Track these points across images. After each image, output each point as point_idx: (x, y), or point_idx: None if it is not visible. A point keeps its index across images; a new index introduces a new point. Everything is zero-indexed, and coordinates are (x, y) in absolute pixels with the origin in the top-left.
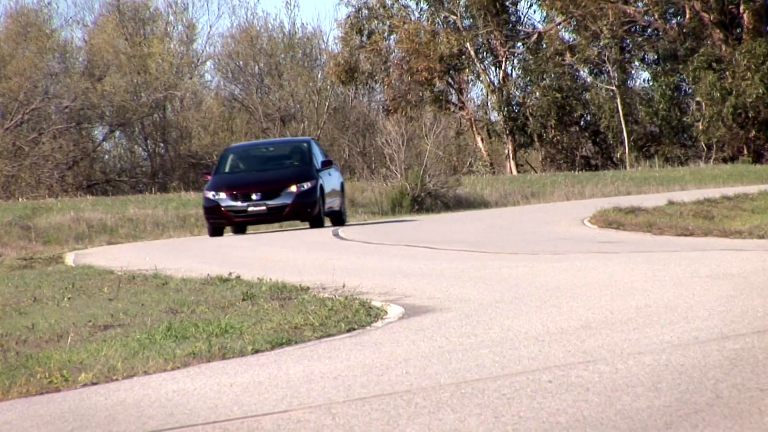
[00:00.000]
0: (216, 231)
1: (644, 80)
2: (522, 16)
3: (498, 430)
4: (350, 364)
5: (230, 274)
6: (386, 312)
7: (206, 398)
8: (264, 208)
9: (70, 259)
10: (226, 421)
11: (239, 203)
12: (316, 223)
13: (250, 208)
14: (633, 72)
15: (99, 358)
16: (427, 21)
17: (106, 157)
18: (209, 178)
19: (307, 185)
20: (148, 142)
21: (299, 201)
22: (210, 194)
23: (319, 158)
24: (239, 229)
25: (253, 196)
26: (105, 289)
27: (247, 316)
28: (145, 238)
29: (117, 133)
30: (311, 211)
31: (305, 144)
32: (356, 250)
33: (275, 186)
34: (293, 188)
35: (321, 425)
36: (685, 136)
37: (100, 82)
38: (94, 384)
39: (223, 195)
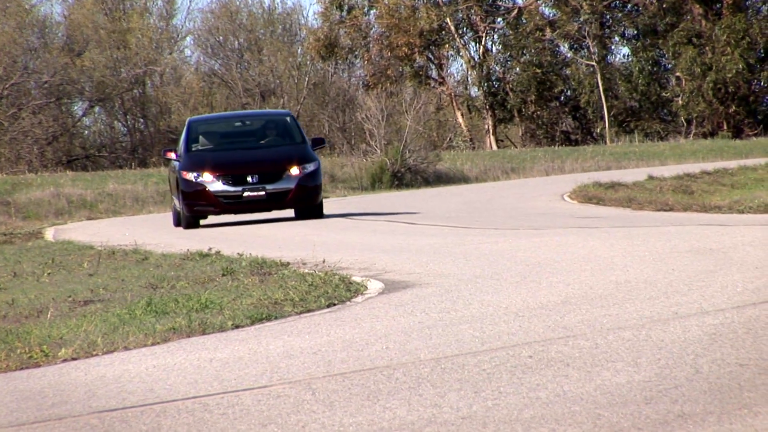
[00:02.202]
0: (194, 221)
1: (624, 55)
2: None
3: (478, 405)
4: (330, 339)
5: (210, 249)
6: (366, 287)
7: (186, 373)
8: (263, 193)
9: (49, 234)
10: (206, 396)
11: (231, 187)
12: (317, 212)
13: (245, 194)
14: (613, 47)
15: (79, 333)
16: None
17: (86, 132)
18: (173, 156)
19: (310, 167)
20: (128, 117)
21: (303, 185)
22: (190, 175)
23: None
24: (193, 223)
25: (249, 179)
26: (85, 264)
27: (227, 291)
28: (125, 214)
29: (96, 108)
30: (315, 199)
31: (288, 118)
32: (336, 226)
33: (275, 167)
34: (295, 170)
35: (301, 400)
36: (665, 111)
37: (80, 58)
38: (74, 359)
39: (208, 176)
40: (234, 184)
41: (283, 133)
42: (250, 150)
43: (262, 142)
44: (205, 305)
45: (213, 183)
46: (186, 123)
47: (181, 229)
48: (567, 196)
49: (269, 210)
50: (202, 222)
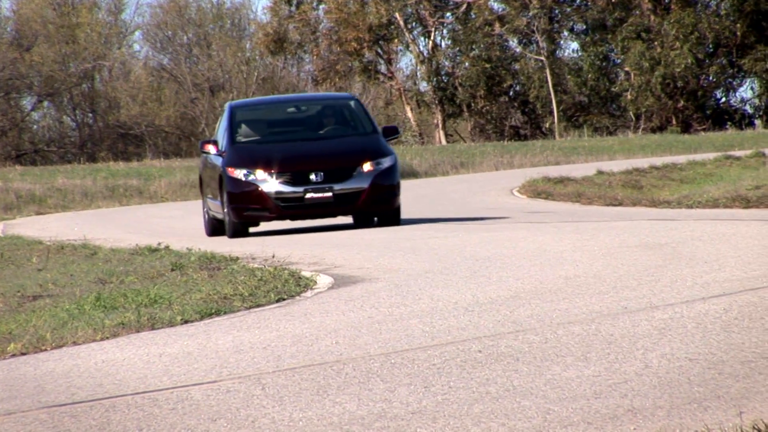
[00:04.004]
0: (243, 228)
1: (573, 50)
2: None
3: (428, 400)
4: (280, 334)
5: (159, 244)
6: (316, 282)
7: (136, 368)
8: (329, 194)
9: None
10: (156, 391)
11: (291, 188)
12: (394, 218)
13: (308, 195)
14: (562, 42)
15: (28, 328)
16: None
17: (35, 127)
18: (212, 149)
19: (386, 162)
20: (77, 112)
21: (378, 185)
22: (239, 173)
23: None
24: (241, 230)
25: (312, 177)
26: (34, 259)
27: (176, 286)
28: (74, 208)
29: (45, 103)
30: (392, 201)
31: (352, 102)
32: (286, 221)
33: (344, 162)
34: (367, 166)
35: (251, 395)
36: (614, 106)
37: (29, 52)
38: (23, 354)
39: (262, 174)
40: (294, 184)
41: (349, 121)
42: (311, 142)
43: (323, 131)
44: (154, 300)
45: (267, 182)
46: (226, 109)
47: (130, 223)
48: (516, 191)
49: (335, 215)
50: (151, 215)
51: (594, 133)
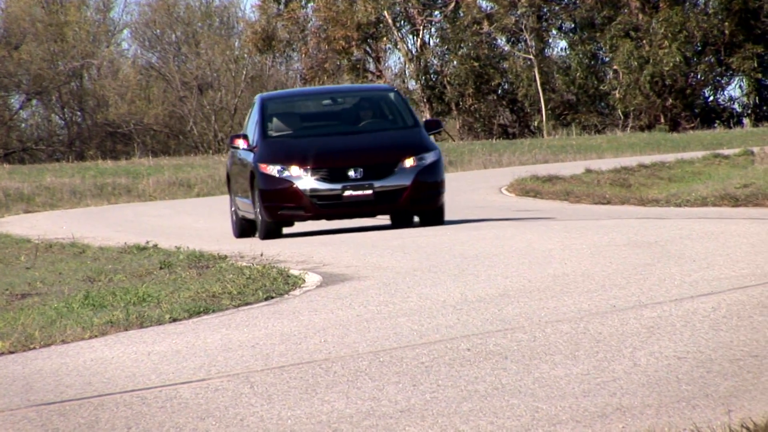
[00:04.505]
0: (277, 228)
1: (561, 49)
2: None
3: (416, 398)
4: (268, 332)
5: (147, 242)
6: (304, 280)
7: (124, 367)
8: (369, 192)
9: None
10: (145, 389)
11: (327, 185)
12: (437, 218)
13: (346, 193)
14: (550, 40)
15: (16, 326)
16: None
17: (23, 125)
18: (242, 144)
19: (429, 158)
20: (65, 110)
21: (422, 182)
22: (271, 169)
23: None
24: (274, 231)
25: (351, 173)
26: (22, 257)
27: (164, 284)
28: (63, 207)
29: (34, 101)
30: (436, 200)
31: (391, 94)
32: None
33: (384, 158)
34: (410, 162)
35: (239, 393)
36: (602, 104)
37: (17, 51)
38: (11, 353)
39: (296, 170)
40: (331, 181)
41: (388, 114)
42: (349, 136)
43: (361, 125)
44: (142, 298)
45: (302, 179)
46: (256, 101)
47: (119, 221)
48: (505, 189)
49: (375, 214)
50: (140, 213)
51: (582, 131)
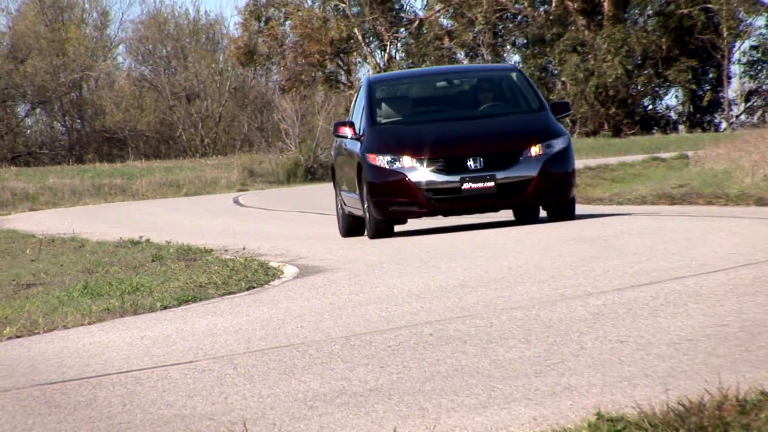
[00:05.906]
0: (388, 226)
1: (515, 62)
2: (405, 4)
3: (384, 378)
4: (250, 319)
5: (141, 237)
6: (282, 272)
7: (120, 350)
8: (491, 184)
9: None
10: (138, 370)
11: (444, 176)
12: (568, 211)
13: (465, 185)
14: (505, 55)
15: (22, 313)
16: (319, 9)
17: (28, 131)
18: (348, 132)
19: (558, 144)
20: (66, 118)
21: (550, 172)
22: (381, 160)
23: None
24: (385, 229)
25: (470, 164)
26: (27, 251)
27: (156, 275)
28: (64, 205)
29: (38, 110)
30: (566, 192)
31: (514, 74)
32: (255, 216)
33: (507, 145)
34: (536, 150)
35: (224, 374)
36: None
37: (23, 64)
38: (17, 337)
39: (409, 161)
40: (448, 172)
41: (510, 96)
42: (467, 121)
43: (481, 109)
44: (136, 288)
45: (416, 171)
46: (363, 84)
47: (115, 219)
48: None
49: (498, 208)
50: (133, 211)
51: None
